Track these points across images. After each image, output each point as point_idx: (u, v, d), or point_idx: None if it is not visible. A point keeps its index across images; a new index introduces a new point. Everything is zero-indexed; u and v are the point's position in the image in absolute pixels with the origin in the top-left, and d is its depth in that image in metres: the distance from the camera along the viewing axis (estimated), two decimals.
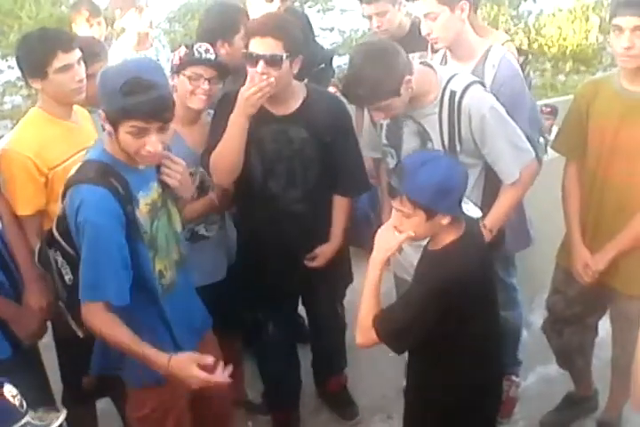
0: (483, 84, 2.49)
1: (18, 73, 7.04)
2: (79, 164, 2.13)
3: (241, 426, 3.10)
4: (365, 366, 3.24)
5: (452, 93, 2.41)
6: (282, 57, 2.40)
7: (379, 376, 3.28)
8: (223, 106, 2.56)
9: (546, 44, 6.72)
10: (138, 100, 1.94)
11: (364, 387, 3.24)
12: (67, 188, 2.08)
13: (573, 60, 6.55)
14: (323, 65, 3.69)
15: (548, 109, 3.07)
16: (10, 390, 1.62)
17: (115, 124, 2.00)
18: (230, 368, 2.11)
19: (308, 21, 3.92)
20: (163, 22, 7.95)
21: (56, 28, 2.59)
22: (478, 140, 2.44)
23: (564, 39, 6.75)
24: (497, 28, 6.84)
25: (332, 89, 3.83)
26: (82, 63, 2.40)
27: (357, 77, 2.28)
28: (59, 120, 2.44)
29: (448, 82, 2.43)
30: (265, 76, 2.38)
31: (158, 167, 2.21)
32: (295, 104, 2.57)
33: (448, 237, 2.07)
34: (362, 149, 2.80)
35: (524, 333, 3.23)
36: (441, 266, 2.06)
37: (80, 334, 2.25)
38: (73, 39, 2.43)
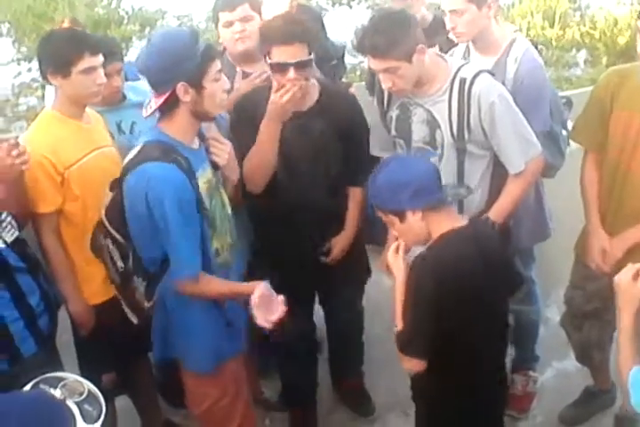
0: (492, 74, 2.50)
1: (33, 75, 7.08)
2: (137, 148, 2.15)
3: (258, 424, 3.11)
4: (382, 362, 3.23)
5: (462, 81, 2.42)
6: (311, 60, 2.42)
7: (395, 373, 3.24)
8: (242, 112, 2.56)
9: (599, 39, 6.61)
10: (206, 42, 2.10)
11: (380, 384, 3.23)
12: (127, 171, 2.11)
13: (624, 56, 6.42)
14: (335, 61, 3.70)
15: (563, 101, 3.05)
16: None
17: (199, 81, 2.07)
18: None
19: (320, 18, 3.93)
20: (200, 23, 7.86)
21: (84, 31, 2.62)
22: (487, 127, 2.44)
23: (620, 31, 6.61)
24: (554, 21, 6.80)
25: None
26: (102, 67, 2.42)
27: (376, 28, 2.32)
28: (71, 120, 2.46)
29: (458, 70, 2.45)
30: (296, 81, 2.40)
31: (207, 149, 2.26)
32: (312, 99, 2.58)
33: (440, 231, 2.04)
34: (371, 148, 2.80)
35: (541, 328, 3.22)
36: (422, 259, 2.04)
37: (134, 320, 2.31)
38: (100, 43, 2.46)
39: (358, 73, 6.13)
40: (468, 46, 2.79)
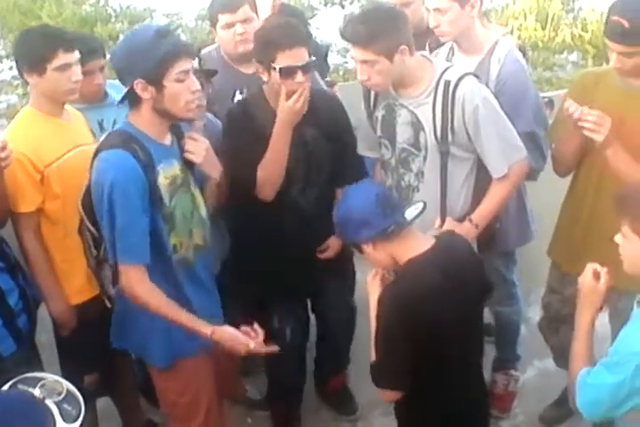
0: (477, 77, 2.51)
1: (14, 72, 7.01)
2: (104, 136, 2.19)
3: (240, 423, 3.11)
4: (365, 362, 3.23)
5: (447, 83, 2.42)
6: (314, 61, 2.47)
7: None
8: (236, 121, 2.58)
9: (588, 42, 6.60)
10: (174, 40, 2.09)
11: (363, 383, 3.21)
12: (93, 158, 2.16)
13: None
14: (317, 61, 3.69)
15: (545, 100, 3.06)
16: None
17: (159, 80, 2.06)
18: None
19: (303, 17, 3.93)
20: (190, 21, 7.76)
21: (59, 28, 2.61)
22: (471, 131, 2.44)
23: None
24: (546, 22, 6.79)
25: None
26: (79, 64, 2.40)
27: (363, 16, 2.35)
28: (51, 118, 2.44)
29: (443, 72, 2.45)
30: (305, 84, 2.44)
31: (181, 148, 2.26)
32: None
33: (404, 258, 2.02)
34: (358, 148, 2.80)
35: (522, 327, 3.24)
36: (386, 289, 2.03)
37: (108, 304, 2.32)
38: (75, 40, 2.44)
39: (341, 73, 6.13)
40: (452, 46, 2.80)
